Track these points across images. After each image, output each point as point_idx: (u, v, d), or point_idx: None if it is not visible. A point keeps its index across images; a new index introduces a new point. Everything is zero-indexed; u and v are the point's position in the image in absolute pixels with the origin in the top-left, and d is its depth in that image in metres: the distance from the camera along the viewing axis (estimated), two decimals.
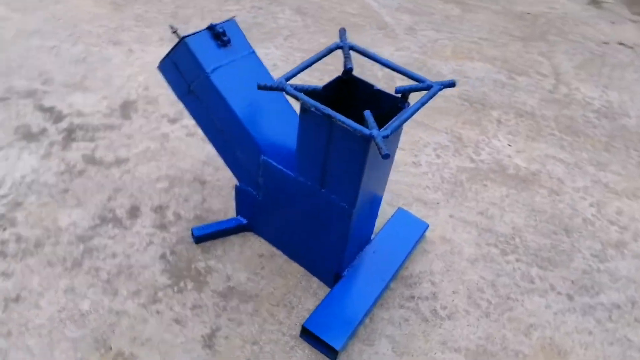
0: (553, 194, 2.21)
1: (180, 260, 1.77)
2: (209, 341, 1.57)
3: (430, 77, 2.70)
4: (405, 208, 2.01)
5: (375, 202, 1.69)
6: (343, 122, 1.26)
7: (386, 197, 2.07)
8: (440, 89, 1.38)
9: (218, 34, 1.59)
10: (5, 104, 2.30)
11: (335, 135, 1.35)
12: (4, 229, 1.79)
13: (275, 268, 1.78)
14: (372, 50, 1.49)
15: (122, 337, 1.54)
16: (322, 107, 1.28)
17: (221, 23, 1.62)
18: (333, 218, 1.53)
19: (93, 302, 1.62)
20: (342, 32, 1.50)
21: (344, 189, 1.44)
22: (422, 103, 1.31)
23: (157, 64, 1.64)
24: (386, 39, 3.14)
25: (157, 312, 1.62)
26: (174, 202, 1.96)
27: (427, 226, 1.95)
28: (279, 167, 1.58)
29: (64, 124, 2.23)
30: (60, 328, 1.54)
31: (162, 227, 1.87)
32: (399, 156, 2.26)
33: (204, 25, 1.63)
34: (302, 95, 1.31)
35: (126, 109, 2.35)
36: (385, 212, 1.95)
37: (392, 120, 1.31)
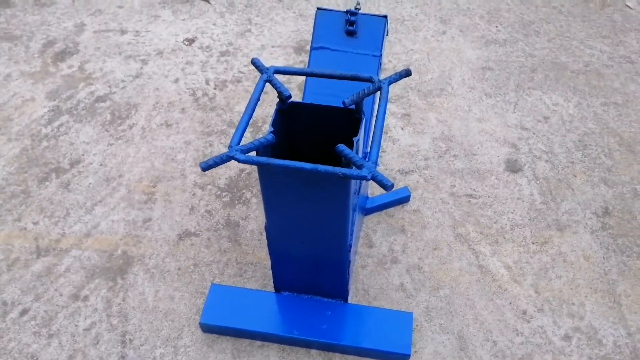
0: None
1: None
2: (182, 235, 1.87)
3: None
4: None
5: (328, 247, 1.40)
6: None
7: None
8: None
9: (349, 21, 1.57)
10: None
11: None
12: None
13: None
14: None
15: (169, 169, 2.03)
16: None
17: (366, 15, 1.58)
18: None
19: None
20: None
21: None
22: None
23: None
24: None
25: (194, 198, 2.01)
26: None
27: (408, 356, 1.49)
28: None
29: None
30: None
31: None
32: None
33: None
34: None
35: None
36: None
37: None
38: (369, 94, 1.23)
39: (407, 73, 1.24)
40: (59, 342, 1.61)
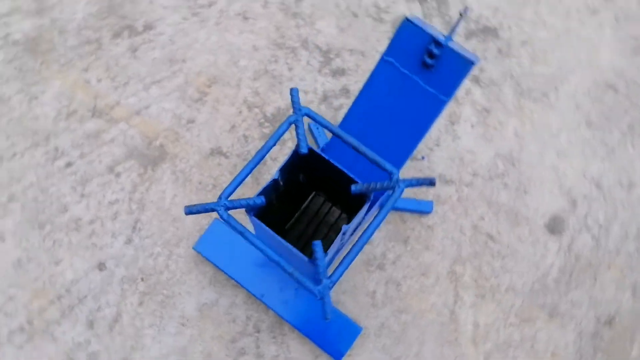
0: None
1: None
2: (214, 150, 1.98)
3: None
4: None
5: None
6: None
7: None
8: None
9: (429, 52, 1.33)
10: None
11: None
12: None
13: None
14: None
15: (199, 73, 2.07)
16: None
17: (454, 51, 1.32)
18: None
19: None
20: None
21: None
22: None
23: None
24: None
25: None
26: None
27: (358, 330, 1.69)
28: None
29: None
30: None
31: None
32: None
33: None
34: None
35: None
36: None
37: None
38: (379, 189, 1.15)
39: (430, 182, 1.13)
40: (87, 204, 1.91)
